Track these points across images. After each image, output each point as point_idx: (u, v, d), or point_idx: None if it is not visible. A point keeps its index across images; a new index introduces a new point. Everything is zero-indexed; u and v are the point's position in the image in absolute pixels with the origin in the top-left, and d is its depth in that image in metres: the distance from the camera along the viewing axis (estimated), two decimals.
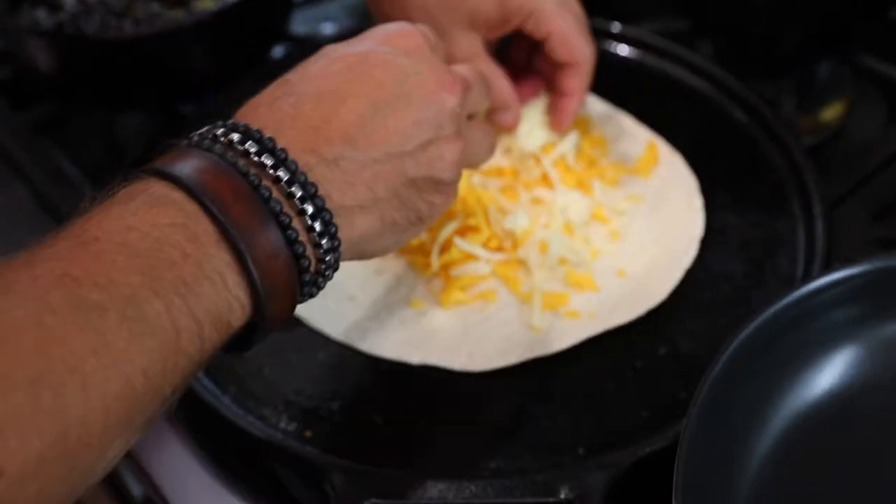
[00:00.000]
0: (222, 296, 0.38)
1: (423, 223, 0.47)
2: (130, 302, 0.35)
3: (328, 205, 0.41)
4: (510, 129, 0.61)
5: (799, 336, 0.51)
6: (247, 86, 0.70)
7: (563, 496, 0.49)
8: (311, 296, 0.43)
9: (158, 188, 0.39)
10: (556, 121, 0.62)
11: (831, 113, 0.75)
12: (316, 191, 0.41)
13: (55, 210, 0.68)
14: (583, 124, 0.67)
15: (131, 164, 0.69)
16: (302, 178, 0.41)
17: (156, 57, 0.67)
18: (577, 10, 0.61)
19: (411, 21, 0.51)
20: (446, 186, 0.47)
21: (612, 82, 0.69)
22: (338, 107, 0.43)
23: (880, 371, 0.52)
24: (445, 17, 0.56)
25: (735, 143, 0.67)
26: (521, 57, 0.63)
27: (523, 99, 0.62)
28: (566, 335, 0.56)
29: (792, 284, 0.58)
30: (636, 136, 0.66)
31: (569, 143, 0.63)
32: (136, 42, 0.66)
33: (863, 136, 0.74)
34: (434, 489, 0.50)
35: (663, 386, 0.55)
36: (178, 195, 0.38)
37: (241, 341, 0.41)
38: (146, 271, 0.36)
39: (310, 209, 0.41)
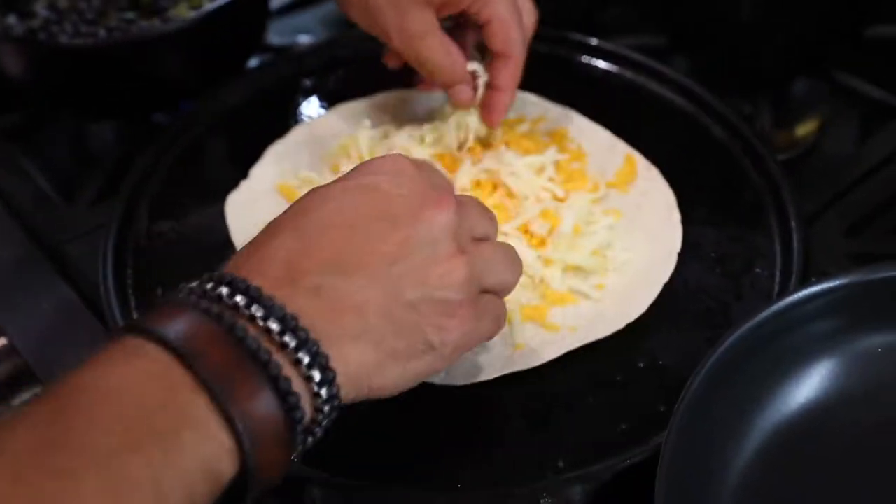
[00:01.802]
0: (207, 444, 0.37)
1: (435, 352, 0.44)
2: (109, 463, 0.34)
3: (312, 335, 0.40)
4: (467, 104, 0.62)
5: (777, 350, 0.51)
6: (222, 95, 0.71)
7: None
8: (314, 435, 0.41)
9: (135, 343, 0.38)
10: (488, 116, 0.63)
11: (807, 129, 0.76)
12: (296, 323, 0.39)
13: (26, 220, 0.67)
14: (559, 138, 0.67)
15: (105, 178, 0.68)
16: (279, 313, 0.39)
17: (129, 65, 0.66)
18: (526, 4, 0.62)
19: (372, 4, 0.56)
20: (458, 308, 0.44)
21: (591, 97, 0.70)
22: (317, 238, 0.42)
23: (856, 384, 0.52)
24: None
25: (712, 158, 0.67)
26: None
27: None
28: (546, 349, 0.56)
29: (769, 298, 0.58)
30: (614, 150, 0.66)
31: (548, 157, 0.63)
32: (109, 50, 0.66)
33: (838, 152, 0.75)
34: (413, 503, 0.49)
35: (643, 399, 0.54)
36: (153, 348, 0.38)
37: (238, 492, 0.39)
38: (124, 428, 0.35)
39: (292, 342, 0.39)
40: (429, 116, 0.68)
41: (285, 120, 0.70)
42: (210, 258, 0.61)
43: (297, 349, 0.39)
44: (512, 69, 0.61)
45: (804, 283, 0.58)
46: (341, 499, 0.49)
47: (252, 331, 0.39)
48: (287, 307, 0.40)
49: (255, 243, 0.43)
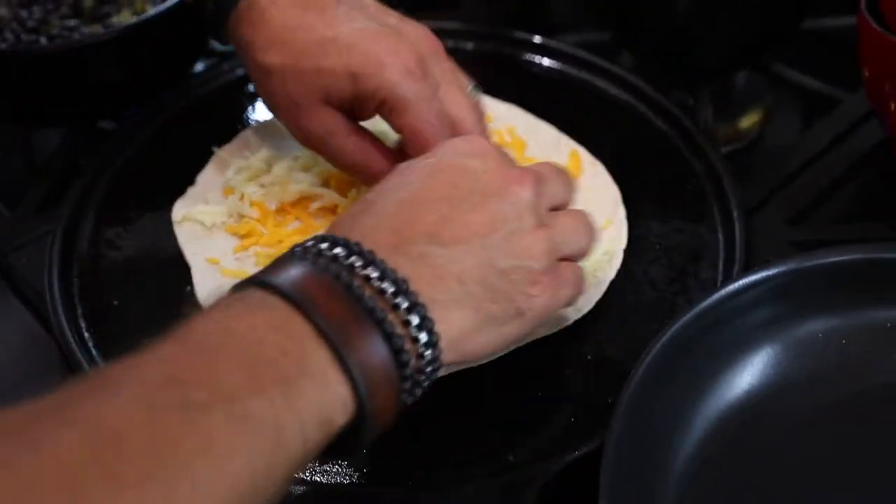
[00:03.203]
0: (323, 392, 0.38)
1: (524, 317, 0.47)
2: (234, 401, 0.36)
3: (420, 299, 0.42)
4: None
5: (718, 338, 0.52)
6: (167, 101, 0.71)
7: None
8: (413, 395, 0.43)
9: (256, 295, 0.40)
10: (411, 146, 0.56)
11: (749, 121, 0.77)
12: (408, 286, 0.42)
13: None
14: (503, 135, 0.67)
15: (50, 185, 0.68)
16: (392, 275, 0.42)
17: (71, 73, 0.66)
18: (457, 99, 0.55)
19: (272, 93, 0.54)
20: (541, 276, 0.47)
21: (535, 94, 0.70)
22: (417, 210, 0.45)
23: (797, 370, 0.53)
24: (302, 90, 0.54)
25: (656, 152, 0.68)
26: None
27: None
28: None
29: (713, 287, 0.59)
30: (559, 147, 0.67)
31: None
32: (50, 57, 0.65)
33: (781, 143, 0.76)
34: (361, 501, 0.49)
35: (591, 391, 0.55)
36: (274, 300, 0.40)
37: (345, 444, 0.40)
38: (248, 370, 0.37)
39: (404, 304, 0.41)
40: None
41: (231, 124, 0.69)
42: (158, 265, 0.62)
43: (408, 310, 0.41)
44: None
45: (746, 271, 0.59)
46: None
47: (368, 290, 0.41)
48: (398, 272, 0.42)
49: (356, 213, 0.46)
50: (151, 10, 0.67)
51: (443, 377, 0.54)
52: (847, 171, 0.68)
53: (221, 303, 0.40)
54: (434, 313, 0.43)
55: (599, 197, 0.64)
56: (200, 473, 0.34)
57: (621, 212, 0.63)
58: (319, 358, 0.39)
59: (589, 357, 0.57)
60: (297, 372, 0.38)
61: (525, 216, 0.47)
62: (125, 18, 0.70)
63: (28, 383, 0.57)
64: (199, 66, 0.76)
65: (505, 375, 0.55)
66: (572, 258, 0.51)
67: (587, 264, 0.59)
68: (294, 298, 0.39)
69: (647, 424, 0.49)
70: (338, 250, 0.42)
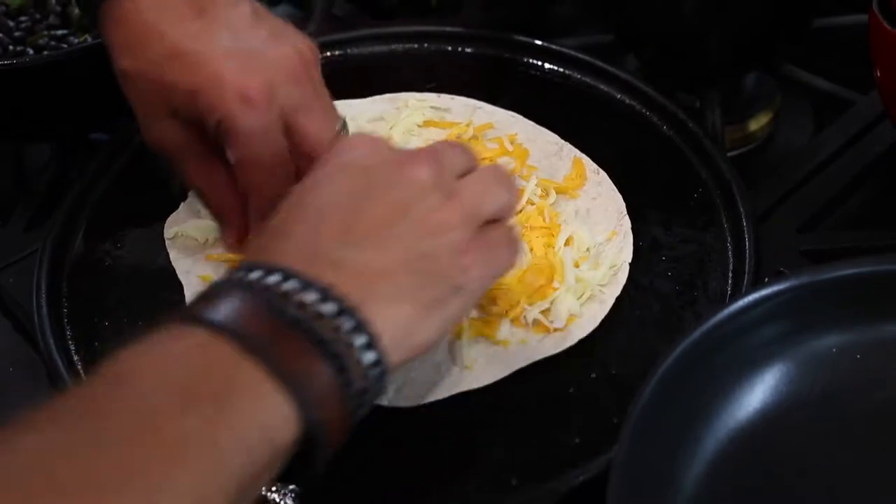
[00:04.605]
0: (261, 407, 0.37)
1: (463, 291, 0.45)
2: (163, 426, 0.35)
3: (349, 303, 0.41)
4: (231, 247, 0.57)
5: (729, 355, 0.50)
6: None
7: None
8: (364, 402, 0.41)
9: (175, 326, 0.39)
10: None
11: (758, 124, 0.75)
12: (333, 292, 0.40)
13: None
14: (505, 144, 0.65)
15: (40, 201, 0.66)
16: (316, 285, 0.40)
17: (60, 84, 0.64)
18: (315, 123, 0.54)
19: (127, 97, 0.54)
20: (468, 245, 0.45)
21: (536, 99, 0.69)
22: (322, 220, 0.44)
23: (810, 386, 0.51)
24: (149, 99, 0.54)
25: (662, 158, 0.66)
26: None
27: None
28: (496, 366, 0.54)
29: (723, 299, 0.57)
30: (561, 154, 0.65)
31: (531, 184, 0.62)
32: (38, 69, 0.63)
33: (791, 146, 0.74)
34: None
35: (596, 411, 0.53)
36: (193, 327, 0.39)
37: (304, 462, 0.39)
38: (177, 394, 0.36)
39: (332, 309, 0.40)
40: (373, 126, 0.66)
41: None
42: (150, 282, 0.60)
43: (337, 315, 0.40)
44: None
45: (757, 282, 0.57)
46: None
47: (291, 304, 0.40)
48: (321, 280, 0.41)
49: (266, 241, 0.45)
50: None
51: (445, 398, 0.53)
52: (860, 174, 0.67)
53: (145, 338, 0.39)
54: (367, 313, 0.41)
55: (603, 207, 0.62)
56: None
57: (626, 223, 0.61)
58: (247, 374, 0.37)
59: (594, 375, 0.55)
60: (229, 389, 0.37)
61: (429, 193, 0.45)
62: None
63: (15, 405, 0.56)
64: None
65: (508, 396, 0.54)
66: (498, 218, 0.48)
67: (594, 278, 0.57)
68: (217, 325, 0.38)
69: (656, 445, 0.47)
70: (254, 273, 0.41)
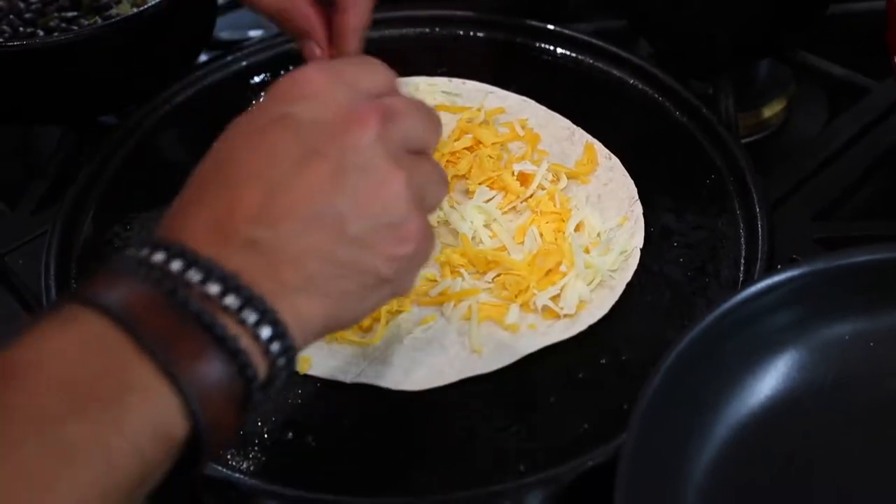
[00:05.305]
0: (152, 406, 0.36)
1: (390, 283, 0.42)
2: (52, 430, 0.34)
3: (256, 292, 0.38)
4: (312, 56, 0.54)
5: (740, 341, 0.50)
6: (170, 94, 0.69)
7: None
8: (268, 392, 0.39)
9: (70, 310, 0.37)
10: (341, 41, 0.54)
11: (772, 111, 0.75)
12: (237, 282, 0.38)
13: None
14: (516, 128, 0.65)
15: (49, 184, 0.66)
16: (219, 274, 0.37)
17: (71, 67, 0.64)
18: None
19: None
20: (405, 228, 0.41)
21: (548, 84, 0.68)
22: (234, 190, 0.39)
23: (823, 373, 0.50)
24: None
25: (675, 144, 0.66)
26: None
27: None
28: (505, 352, 0.54)
29: (735, 287, 0.57)
30: (573, 139, 0.65)
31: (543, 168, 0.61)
32: (48, 51, 0.63)
33: (804, 134, 0.74)
34: None
35: (606, 397, 0.53)
36: (87, 314, 0.36)
37: (193, 454, 0.37)
38: (66, 394, 0.34)
39: (235, 303, 0.37)
40: None
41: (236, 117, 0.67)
42: None
43: (240, 309, 0.37)
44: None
45: (770, 270, 0.57)
46: None
47: (193, 295, 0.37)
48: (225, 267, 0.38)
49: (181, 202, 0.41)
50: (152, 1, 0.65)
51: (452, 383, 0.53)
52: (875, 162, 0.66)
53: (38, 323, 0.37)
54: (276, 303, 0.38)
55: (615, 193, 0.61)
56: None
57: (638, 208, 0.60)
58: (141, 371, 0.36)
59: (603, 361, 0.54)
60: (119, 389, 0.35)
61: (371, 161, 0.40)
62: (125, 10, 0.68)
63: None
64: (203, 58, 0.74)
65: (516, 381, 0.54)
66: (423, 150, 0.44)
67: (604, 264, 0.57)
68: (112, 313, 0.36)
69: (665, 432, 0.47)
70: (157, 255, 0.38)
